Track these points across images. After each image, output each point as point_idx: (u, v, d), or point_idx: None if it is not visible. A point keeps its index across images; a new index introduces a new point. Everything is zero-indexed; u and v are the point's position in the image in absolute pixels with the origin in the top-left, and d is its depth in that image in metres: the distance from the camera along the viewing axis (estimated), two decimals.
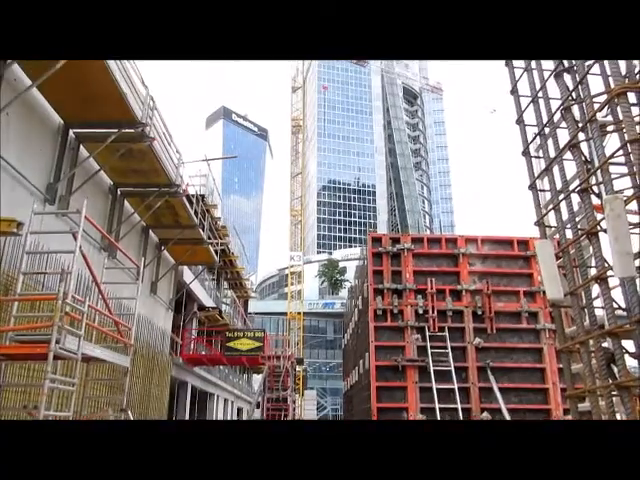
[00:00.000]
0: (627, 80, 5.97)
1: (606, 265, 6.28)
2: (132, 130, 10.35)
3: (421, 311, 12.61)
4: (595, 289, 6.93)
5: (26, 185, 9.05)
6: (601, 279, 6.34)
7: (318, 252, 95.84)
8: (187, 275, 19.92)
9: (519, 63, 8.77)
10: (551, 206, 7.62)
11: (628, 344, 6.07)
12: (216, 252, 18.46)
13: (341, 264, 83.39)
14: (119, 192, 13.19)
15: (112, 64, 8.80)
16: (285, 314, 63.95)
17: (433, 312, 12.54)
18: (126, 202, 13.63)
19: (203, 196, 17.78)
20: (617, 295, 6.37)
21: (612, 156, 6.20)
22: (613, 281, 6.38)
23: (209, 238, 17.42)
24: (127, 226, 13.56)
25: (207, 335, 24.05)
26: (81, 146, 10.93)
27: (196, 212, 15.41)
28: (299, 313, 63.40)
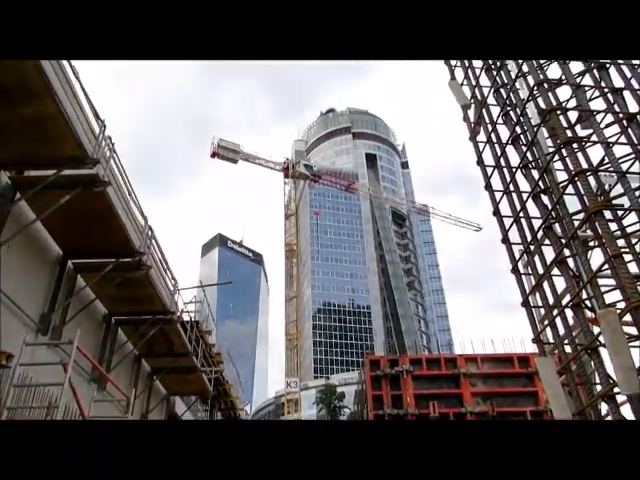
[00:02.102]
0: (601, 197, 6.34)
1: (611, 381, 6.13)
2: (129, 259, 10.56)
3: None
4: (603, 406, 6.70)
5: (20, 315, 9.00)
6: (607, 397, 6.15)
7: (315, 377, 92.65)
8: (179, 405, 19.03)
9: (498, 185, 9.32)
10: (546, 322, 7.63)
11: None
12: (210, 380, 17.83)
13: (339, 389, 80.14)
14: (113, 321, 13.08)
15: (114, 197, 9.25)
16: None
17: None
18: (119, 330, 13.46)
19: (197, 322, 17.61)
20: (626, 411, 6.14)
21: (599, 270, 6.37)
22: (620, 396, 6.20)
23: (203, 366, 16.94)
24: (119, 355, 13.25)
25: None
26: (78, 275, 11.06)
27: (190, 339, 15.16)
28: None
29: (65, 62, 8.09)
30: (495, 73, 12.06)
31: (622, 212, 6.94)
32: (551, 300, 7.50)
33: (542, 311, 8.13)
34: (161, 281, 12.32)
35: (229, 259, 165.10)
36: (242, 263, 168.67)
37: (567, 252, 7.37)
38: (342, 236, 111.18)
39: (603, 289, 6.60)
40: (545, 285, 7.77)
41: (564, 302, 7.24)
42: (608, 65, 9.74)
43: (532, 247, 7.99)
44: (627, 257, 6.44)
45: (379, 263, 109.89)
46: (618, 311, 6.16)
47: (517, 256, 8.59)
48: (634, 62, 10.00)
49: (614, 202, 7.06)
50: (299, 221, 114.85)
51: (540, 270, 7.71)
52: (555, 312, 7.35)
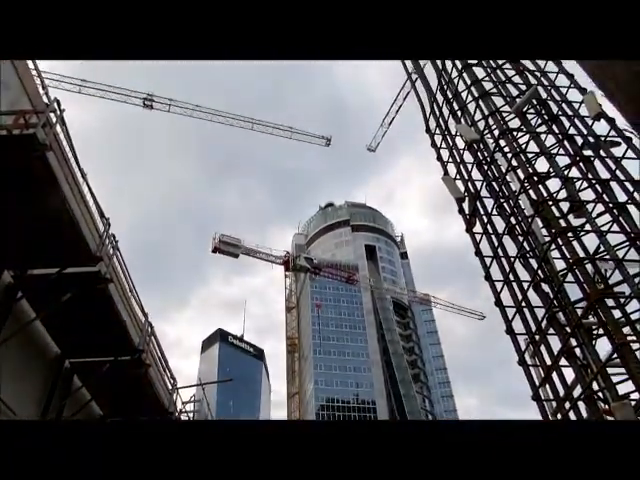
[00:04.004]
0: (600, 284, 6.36)
1: None
2: (128, 357, 10.36)
3: None
4: None
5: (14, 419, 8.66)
6: None
7: None
8: None
9: (497, 275, 9.36)
10: (559, 416, 7.34)
11: None
12: None
13: None
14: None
15: (115, 294, 9.26)
16: None
17: None
18: None
19: None
20: None
21: (608, 360, 6.24)
22: None
23: None
24: None
25: None
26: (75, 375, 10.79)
27: None
28: None
29: (74, 163, 8.46)
30: (486, 168, 12.60)
31: (624, 299, 6.93)
32: (562, 392, 7.27)
33: (554, 404, 7.84)
34: (159, 380, 11.99)
35: (229, 355, 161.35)
36: (243, 359, 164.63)
37: (573, 341, 7.26)
38: (344, 328, 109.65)
39: (614, 378, 6.42)
40: (554, 375, 7.56)
41: (575, 394, 7.01)
42: (592, 158, 10.22)
43: (537, 337, 7.88)
44: (635, 345, 6.33)
45: (382, 355, 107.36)
46: (633, 402, 5.95)
47: (523, 346, 8.43)
48: (617, 155, 10.52)
49: (615, 289, 7.08)
50: (300, 314, 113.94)
51: (547, 361, 7.55)
52: (567, 405, 7.09)
